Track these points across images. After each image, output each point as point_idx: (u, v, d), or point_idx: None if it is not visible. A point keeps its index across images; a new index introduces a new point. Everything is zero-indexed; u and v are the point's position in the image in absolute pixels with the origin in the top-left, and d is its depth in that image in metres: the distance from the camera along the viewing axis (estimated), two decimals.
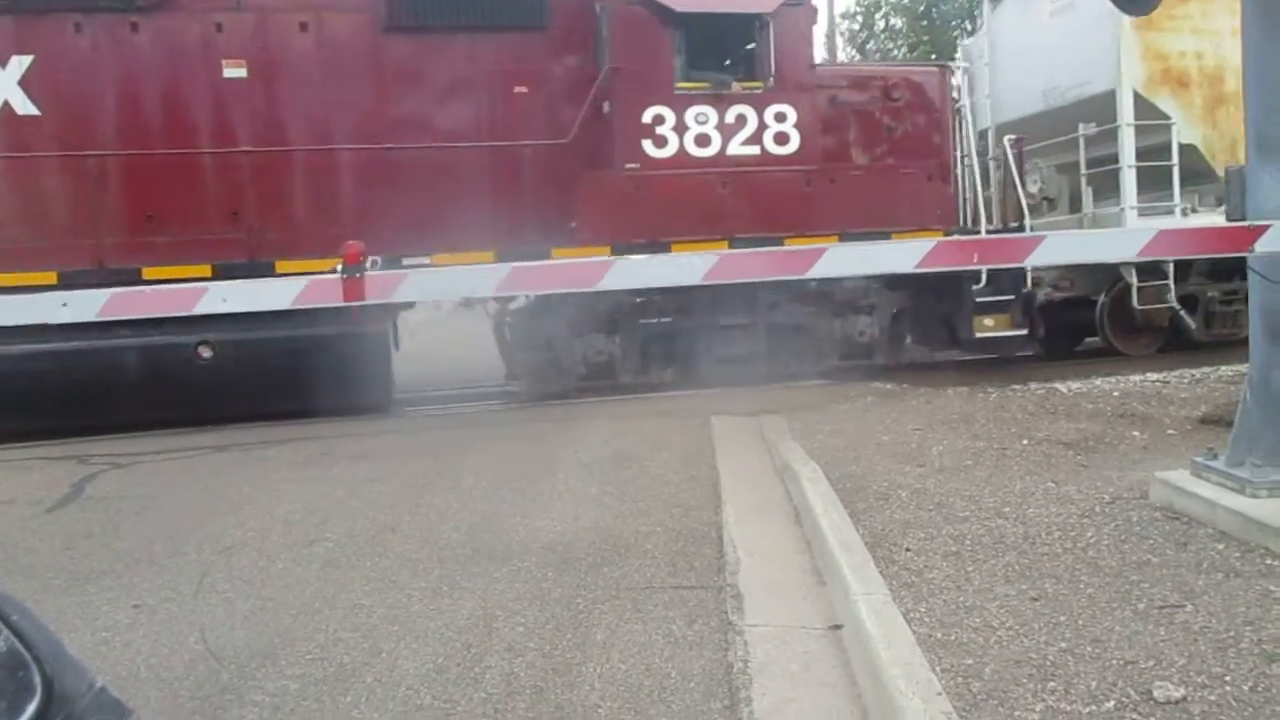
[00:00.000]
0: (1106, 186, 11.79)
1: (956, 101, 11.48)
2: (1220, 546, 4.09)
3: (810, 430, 7.42)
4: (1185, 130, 11.35)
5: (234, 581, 4.69)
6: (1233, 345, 10.94)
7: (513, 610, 4.11)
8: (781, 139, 10.42)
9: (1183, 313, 11.51)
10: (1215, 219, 10.31)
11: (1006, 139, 11.46)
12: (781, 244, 9.65)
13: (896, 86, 10.98)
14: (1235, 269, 11.50)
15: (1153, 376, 9.35)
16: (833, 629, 3.77)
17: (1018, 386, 9.18)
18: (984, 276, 10.72)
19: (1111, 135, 11.35)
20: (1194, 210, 11.45)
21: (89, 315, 4.54)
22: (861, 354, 11.07)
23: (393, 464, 7.32)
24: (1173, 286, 11.27)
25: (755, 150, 10.37)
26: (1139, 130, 11.29)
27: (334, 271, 4.53)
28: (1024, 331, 11.33)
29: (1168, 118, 11.30)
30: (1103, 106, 11.40)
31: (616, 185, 10.18)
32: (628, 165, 10.16)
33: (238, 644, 3.89)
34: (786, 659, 3.53)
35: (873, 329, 11.05)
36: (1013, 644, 3.25)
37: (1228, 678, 2.90)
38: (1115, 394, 8.49)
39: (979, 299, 10.99)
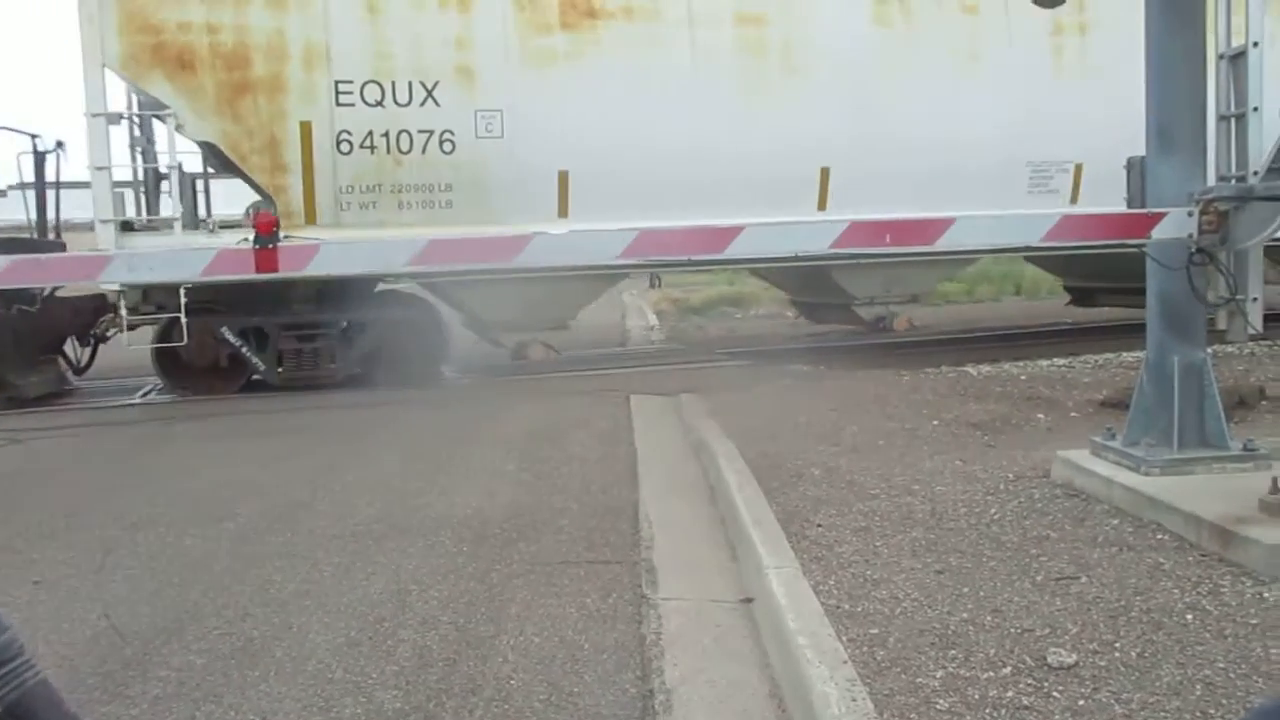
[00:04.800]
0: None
1: None
2: (1115, 522, 4.26)
3: (728, 410, 7.49)
4: (193, 124, 9.26)
5: (140, 557, 4.59)
6: (313, 390, 9.71)
7: (426, 585, 4.09)
8: None
9: (245, 350, 9.87)
10: (222, 240, 8.98)
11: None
12: None
13: None
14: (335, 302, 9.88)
15: (1059, 362, 9.64)
16: (744, 602, 3.83)
17: (930, 370, 9.39)
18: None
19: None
20: (214, 231, 9.62)
21: None
22: None
23: (305, 440, 7.22)
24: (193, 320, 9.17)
25: None
26: (148, 123, 9.32)
27: (245, 242, 4.44)
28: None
29: (166, 107, 9.17)
30: None
31: None
32: None
33: (142, 620, 3.81)
34: (698, 631, 3.59)
35: None
36: (917, 614, 3.35)
37: (1117, 644, 3.03)
38: (1023, 378, 8.74)
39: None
